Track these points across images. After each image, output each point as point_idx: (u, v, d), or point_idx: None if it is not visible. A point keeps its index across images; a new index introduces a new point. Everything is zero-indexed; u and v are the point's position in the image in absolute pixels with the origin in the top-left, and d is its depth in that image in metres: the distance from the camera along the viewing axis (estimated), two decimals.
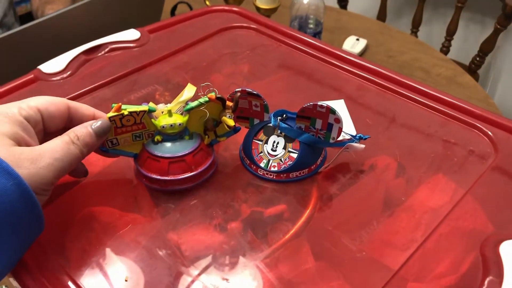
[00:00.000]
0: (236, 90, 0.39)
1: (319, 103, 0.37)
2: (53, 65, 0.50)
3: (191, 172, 0.37)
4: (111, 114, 0.36)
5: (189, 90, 0.38)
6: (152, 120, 0.37)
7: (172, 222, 0.37)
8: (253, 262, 0.34)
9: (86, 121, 0.36)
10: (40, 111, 0.34)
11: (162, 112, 0.38)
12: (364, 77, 0.50)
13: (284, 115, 0.40)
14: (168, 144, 0.38)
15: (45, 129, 0.35)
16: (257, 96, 0.39)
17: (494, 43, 1.33)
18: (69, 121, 0.36)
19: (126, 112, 0.36)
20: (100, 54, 0.53)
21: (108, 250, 0.35)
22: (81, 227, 0.37)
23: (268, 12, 0.88)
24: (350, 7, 1.55)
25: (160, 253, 0.34)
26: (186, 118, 0.37)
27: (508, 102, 1.52)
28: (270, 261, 0.34)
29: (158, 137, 0.37)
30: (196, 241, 0.35)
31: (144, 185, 0.39)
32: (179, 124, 0.37)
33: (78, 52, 0.51)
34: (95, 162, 0.41)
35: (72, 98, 0.47)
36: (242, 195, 0.39)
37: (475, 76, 1.40)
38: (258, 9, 0.88)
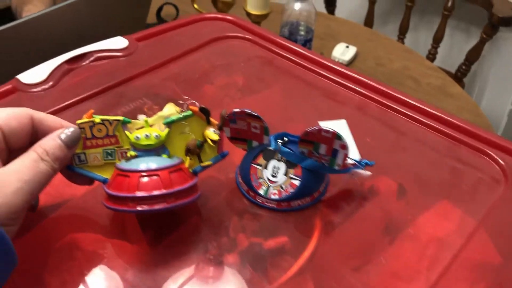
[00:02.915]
0: (235, 110, 0.36)
1: (324, 127, 0.35)
2: (33, 75, 0.46)
3: (164, 189, 0.31)
4: (81, 121, 0.33)
5: (170, 107, 0.35)
6: (126, 132, 0.34)
7: (163, 253, 0.34)
8: None
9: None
10: (1, 128, 0.30)
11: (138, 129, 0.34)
12: (365, 95, 0.48)
13: (286, 139, 0.37)
14: (142, 159, 0.33)
15: (8, 146, 0.31)
16: (257, 118, 0.36)
17: (480, 52, 1.33)
18: (34, 134, 0.32)
19: (97, 120, 0.33)
20: (84, 63, 0.49)
21: (91, 282, 0.32)
22: (62, 255, 0.33)
23: (259, 18, 0.85)
24: (337, 12, 1.54)
25: None
26: (165, 132, 0.34)
27: (494, 111, 1.52)
28: None
29: (131, 153, 0.33)
30: (189, 277, 0.33)
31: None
32: (156, 136, 0.33)
33: (61, 61, 0.48)
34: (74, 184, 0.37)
35: (54, 112, 0.44)
36: (239, 223, 0.37)
37: (461, 85, 1.40)
38: (248, 14, 0.86)
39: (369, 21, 1.51)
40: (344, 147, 0.35)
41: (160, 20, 1.04)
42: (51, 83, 0.47)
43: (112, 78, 0.48)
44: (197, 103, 0.35)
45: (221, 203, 0.38)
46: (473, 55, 1.35)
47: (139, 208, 0.31)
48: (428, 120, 0.45)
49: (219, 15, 0.58)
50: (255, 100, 0.48)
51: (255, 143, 0.38)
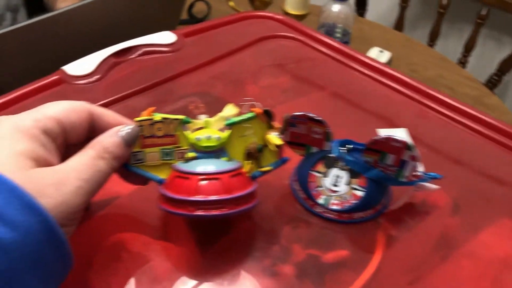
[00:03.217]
0: (296, 114, 0.34)
1: (394, 136, 0.33)
2: (80, 67, 0.45)
3: (225, 195, 0.30)
4: (140, 118, 0.31)
5: (230, 108, 0.33)
6: (186, 132, 0.32)
7: (212, 259, 0.32)
8: None
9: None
10: (60, 121, 0.29)
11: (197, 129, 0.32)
12: (424, 104, 0.46)
13: (349, 146, 0.35)
14: (202, 161, 0.32)
15: (66, 141, 0.30)
16: (319, 123, 0.35)
17: None
18: (91, 130, 0.31)
19: (157, 118, 0.31)
20: (131, 57, 0.48)
21: (136, 286, 0.30)
22: (107, 256, 0.32)
23: (297, 19, 0.83)
24: (367, 15, 1.51)
25: None
26: (226, 133, 0.32)
27: None
28: None
29: (191, 154, 0.32)
30: (242, 286, 0.31)
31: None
32: (217, 138, 0.32)
33: (107, 54, 0.46)
34: (122, 182, 0.35)
35: (101, 106, 0.42)
36: (294, 233, 0.35)
37: None
38: (286, 14, 0.84)
39: (399, 26, 1.48)
40: (415, 158, 0.33)
41: (192, 17, 1.02)
42: (97, 76, 0.45)
43: (159, 74, 0.47)
44: (259, 105, 0.33)
45: (274, 210, 0.36)
46: (506, 65, 1.32)
47: (198, 213, 0.30)
48: (491, 132, 0.43)
49: (268, 14, 0.56)
50: (301, 104, 0.46)
51: (314, 149, 0.36)
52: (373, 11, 1.53)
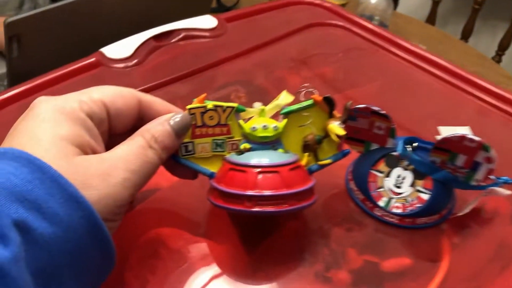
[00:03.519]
0: (358, 106, 0.32)
1: (467, 135, 0.30)
2: (118, 50, 0.42)
3: (286, 190, 0.27)
4: (191, 106, 0.28)
5: (286, 95, 0.31)
6: (240, 121, 0.29)
7: (258, 261, 0.30)
8: None
9: None
10: (106, 106, 0.26)
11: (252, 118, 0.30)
12: (486, 101, 0.42)
13: (415, 144, 0.32)
14: (257, 153, 0.29)
15: (111, 129, 0.27)
16: (384, 117, 0.32)
17: None
18: (139, 119, 0.28)
19: (210, 106, 0.29)
20: (172, 41, 0.45)
21: (175, 283, 0.28)
22: (145, 253, 0.30)
23: None
24: (399, 9, 1.46)
25: None
26: (283, 123, 0.30)
27: None
28: None
29: (245, 145, 0.29)
30: None
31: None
32: (274, 127, 0.29)
33: (147, 37, 0.44)
34: (162, 172, 0.33)
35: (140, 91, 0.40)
36: (349, 236, 0.32)
37: None
38: None
39: (431, 21, 1.43)
40: (490, 160, 0.30)
41: (220, 5, 1.00)
42: (136, 60, 0.43)
43: (200, 60, 0.44)
44: (316, 92, 0.30)
45: (325, 209, 0.33)
46: None
47: (255, 209, 0.27)
48: None
49: (316, 1, 0.52)
50: (350, 96, 0.43)
51: (374, 146, 0.33)
52: (404, 5, 1.48)
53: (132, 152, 0.25)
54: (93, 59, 0.42)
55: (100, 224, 0.22)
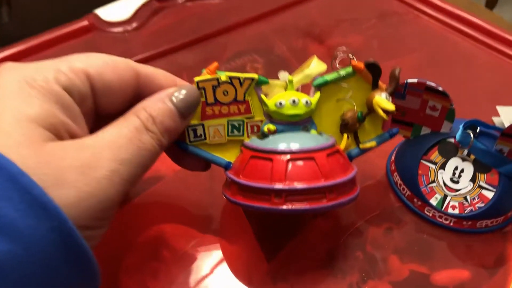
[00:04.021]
0: (410, 81, 0.25)
1: None
2: (115, 11, 0.38)
3: (325, 181, 0.22)
4: (200, 78, 0.23)
5: (317, 63, 0.25)
6: (262, 96, 0.24)
7: (279, 264, 0.25)
8: None
9: None
10: (91, 78, 0.21)
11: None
12: None
13: (478, 129, 0.26)
14: (284, 136, 0.24)
15: (98, 109, 0.22)
16: (441, 95, 0.26)
17: None
18: (137, 97, 0.23)
19: (224, 78, 0.23)
20: (178, 2, 0.40)
21: None
22: (144, 254, 0.26)
23: None
24: None
25: None
26: (316, 97, 0.24)
27: None
28: None
29: (269, 126, 0.24)
30: None
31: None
32: (306, 102, 0.23)
33: None
34: (164, 159, 0.28)
35: (139, 61, 0.34)
36: (391, 240, 0.26)
37: None
38: None
39: (490, 3, 1.34)
40: None
41: None
42: (136, 24, 0.38)
43: (210, 25, 0.39)
44: (353, 57, 0.24)
45: (363, 207, 0.28)
46: None
47: (287, 207, 0.21)
48: None
49: None
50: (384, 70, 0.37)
51: (425, 130, 0.27)
52: None
53: (123, 135, 0.20)
54: (85, 22, 0.37)
55: (77, 238, 0.17)
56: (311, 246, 0.26)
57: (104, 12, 0.37)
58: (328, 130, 0.25)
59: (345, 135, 0.25)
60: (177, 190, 0.29)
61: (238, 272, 0.25)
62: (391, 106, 0.23)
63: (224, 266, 0.25)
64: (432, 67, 0.38)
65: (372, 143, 0.25)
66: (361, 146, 0.25)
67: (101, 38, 0.36)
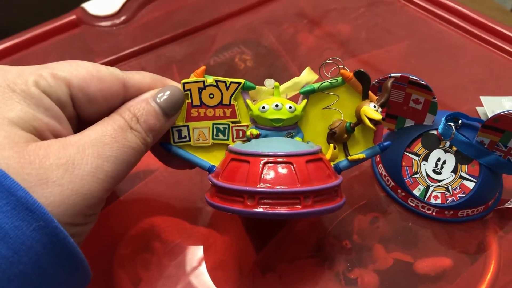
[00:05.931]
0: (393, 75, 0.26)
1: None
2: (103, 5, 0.37)
3: (301, 186, 0.21)
4: (187, 80, 0.23)
5: (309, 72, 0.24)
6: (248, 101, 0.24)
7: (268, 256, 0.26)
8: None
9: None
10: (71, 88, 0.21)
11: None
12: None
13: (460, 121, 0.26)
14: (266, 140, 0.23)
15: (82, 117, 0.22)
16: (424, 88, 0.26)
17: None
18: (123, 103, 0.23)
19: (210, 80, 0.23)
20: None
21: (171, 280, 0.25)
22: (136, 246, 0.26)
23: None
24: None
25: None
26: (301, 104, 0.24)
27: None
28: None
29: (252, 130, 0.24)
30: None
31: None
32: (290, 108, 0.23)
33: None
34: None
35: (127, 55, 0.34)
36: (376, 231, 0.27)
37: None
38: None
39: None
40: None
41: None
42: (124, 17, 0.37)
43: (199, 17, 0.38)
44: (343, 66, 0.23)
45: (349, 198, 0.28)
46: None
47: (259, 210, 0.21)
48: None
49: None
50: (370, 59, 0.37)
51: (408, 123, 0.28)
52: None
53: (108, 134, 0.20)
54: (73, 17, 0.36)
55: (64, 236, 0.17)
56: (299, 237, 0.27)
57: (92, 6, 0.37)
58: (316, 140, 0.24)
59: (332, 145, 0.24)
60: (168, 184, 0.29)
61: (228, 263, 0.25)
62: (377, 116, 0.23)
63: (215, 257, 0.26)
64: (419, 56, 0.38)
65: (361, 155, 0.24)
66: (349, 158, 0.24)
67: (90, 32, 0.35)
